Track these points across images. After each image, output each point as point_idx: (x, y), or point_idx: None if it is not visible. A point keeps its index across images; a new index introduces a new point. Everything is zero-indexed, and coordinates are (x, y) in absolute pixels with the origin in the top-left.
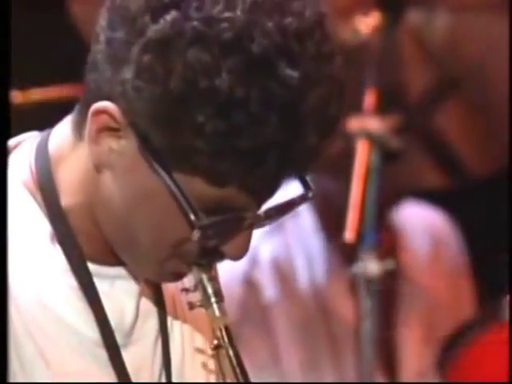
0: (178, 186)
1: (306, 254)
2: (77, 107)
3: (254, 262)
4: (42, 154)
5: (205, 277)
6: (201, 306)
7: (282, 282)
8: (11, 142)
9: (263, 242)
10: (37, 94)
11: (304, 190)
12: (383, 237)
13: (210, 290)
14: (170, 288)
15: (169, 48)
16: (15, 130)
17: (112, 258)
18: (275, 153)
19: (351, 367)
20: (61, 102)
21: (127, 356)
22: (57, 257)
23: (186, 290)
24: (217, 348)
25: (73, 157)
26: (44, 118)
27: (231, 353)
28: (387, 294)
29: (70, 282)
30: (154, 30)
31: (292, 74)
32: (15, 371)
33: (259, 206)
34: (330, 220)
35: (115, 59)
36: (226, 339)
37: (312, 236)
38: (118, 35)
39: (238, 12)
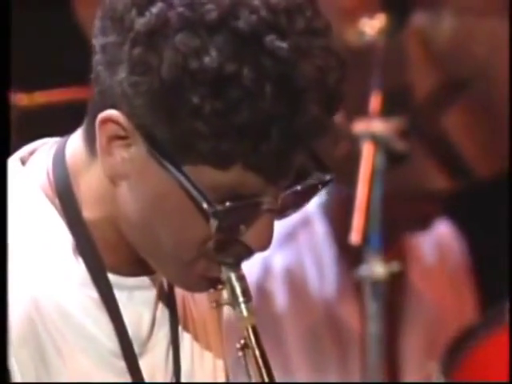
0: (187, 178)
1: (317, 263)
2: (85, 124)
3: (267, 271)
4: (60, 166)
5: (233, 276)
6: (228, 304)
7: (294, 291)
8: (26, 149)
9: (276, 252)
10: (42, 97)
11: (322, 173)
12: (391, 243)
13: (238, 290)
14: (179, 293)
15: (157, 38)
16: (20, 132)
17: (131, 269)
18: (276, 127)
19: (358, 373)
20: (66, 105)
21: (143, 364)
22: (78, 267)
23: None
24: (243, 348)
25: (89, 173)
26: (49, 120)
27: (257, 353)
28: (392, 299)
29: (91, 292)
30: (140, 23)
31: (281, 45)
32: (37, 363)
33: (276, 192)
34: (343, 225)
35: (111, 63)
36: (252, 339)
37: (324, 245)
38: (110, 39)
39: None
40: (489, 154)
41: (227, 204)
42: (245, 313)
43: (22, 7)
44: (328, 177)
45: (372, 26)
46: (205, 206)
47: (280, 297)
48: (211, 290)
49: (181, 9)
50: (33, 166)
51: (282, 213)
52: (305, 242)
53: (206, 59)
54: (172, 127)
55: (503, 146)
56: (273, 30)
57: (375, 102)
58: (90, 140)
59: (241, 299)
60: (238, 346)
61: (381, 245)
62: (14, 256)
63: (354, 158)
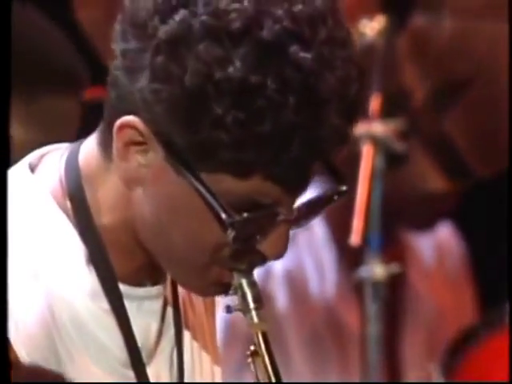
0: (205, 187)
1: (317, 264)
2: (100, 128)
3: (267, 273)
4: (73, 171)
5: (245, 282)
6: (239, 310)
7: (295, 293)
8: (36, 154)
9: None
10: None
11: (337, 183)
12: (391, 244)
13: (249, 296)
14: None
15: (180, 46)
16: None
17: (142, 277)
18: (298, 137)
19: (358, 374)
20: None
21: (150, 372)
22: (90, 277)
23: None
24: (253, 354)
25: (104, 177)
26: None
27: (267, 360)
28: (392, 301)
29: (102, 303)
30: (163, 31)
31: (305, 55)
32: (49, 360)
33: (292, 202)
34: (342, 227)
35: (131, 69)
36: (262, 346)
37: (324, 246)
38: (132, 45)
39: (246, 3)
40: (488, 155)
41: (245, 215)
42: (255, 319)
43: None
44: (344, 188)
45: (371, 27)
46: (223, 216)
47: (281, 298)
48: (223, 296)
49: (204, 17)
50: (43, 171)
51: (296, 222)
52: (304, 243)
53: (230, 69)
54: (192, 136)
55: (503, 147)
56: (296, 40)
57: (375, 103)
58: (106, 144)
59: (252, 306)
60: (248, 352)
61: (381, 246)
62: (26, 264)
63: (353, 160)
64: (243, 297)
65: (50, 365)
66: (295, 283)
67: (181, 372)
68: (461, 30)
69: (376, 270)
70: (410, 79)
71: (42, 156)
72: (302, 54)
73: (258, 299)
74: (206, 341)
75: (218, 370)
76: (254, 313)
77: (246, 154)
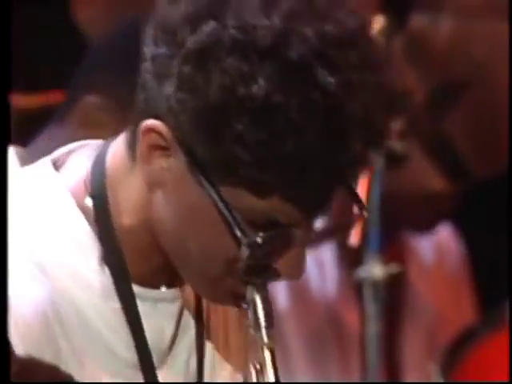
0: (223, 201)
1: (317, 263)
2: (129, 129)
3: None
4: (99, 171)
5: (258, 297)
6: (250, 327)
7: (295, 292)
8: (61, 151)
9: None
10: (41, 98)
11: (356, 206)
12: (390, 244)
13: (261, 313)
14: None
15: (207, 57)
16: (20, 133)
17: (157, 280)
18: (318, 161)
19: (359, 373)
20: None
21: (162, 376)
22: (103, 276)
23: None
24: (258, 371)
25: (127, 179)
26: (47, 122)
27: (272, 376)
28: (391, 301)
29: (112, 303)
30: (192, 40)
31: (331, 80)
32: (47, 355)
33: (310, 224)
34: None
35: (159, 75)
36: (269, 363)
37: (323, 247)
38: (161, 51)
39: (276, 20)
40: (488, 155)
41: (260, 235)
42: (265, 339)
43: (22, 7)
44: (364, 213)
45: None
46: (238, 234)
47: (281, 297)
48: (236, 307)
49: (233, 31)
50: (69, 169)
51: (311, 243)
52: None
53: (254, 87)
54: (214, 149)
55: (503, 147)
56: (323, 63)
57: None
58: (132, 145)
59: (263, 324)
60: (252, 366)
61: (380, 246)
62: (34, 258)
63: None
64: (255, 314)
65: (46, 360)
66: (295, 283)
67: (200, 378)
68: (460, 30)
69: (375, 269)
70: (410, 79)
71: (70, 152)
72: (329, 79)
73: (269, 317)
74: (228, 347)
75: (239, 378)
76: (264, 332)
77: (265, 174)
